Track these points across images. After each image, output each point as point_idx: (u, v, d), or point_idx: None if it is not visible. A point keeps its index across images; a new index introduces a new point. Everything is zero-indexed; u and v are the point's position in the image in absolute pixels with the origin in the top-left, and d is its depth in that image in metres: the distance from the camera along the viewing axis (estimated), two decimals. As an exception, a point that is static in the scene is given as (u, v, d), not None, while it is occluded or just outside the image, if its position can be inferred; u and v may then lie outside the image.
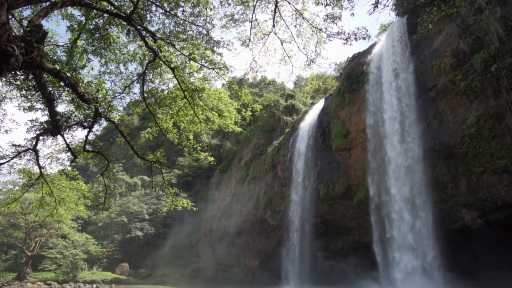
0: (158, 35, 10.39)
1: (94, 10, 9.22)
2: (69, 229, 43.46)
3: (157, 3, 10.11)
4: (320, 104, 30.09)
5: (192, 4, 10.20)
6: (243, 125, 19.05)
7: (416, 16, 19.72)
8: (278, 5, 9.66)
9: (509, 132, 14.25)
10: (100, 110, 9.97)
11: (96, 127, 11.49)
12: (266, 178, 31.64)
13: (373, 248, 20.83)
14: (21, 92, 10.04)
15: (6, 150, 11.79)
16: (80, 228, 46.89)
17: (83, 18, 9.87)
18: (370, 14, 8.42)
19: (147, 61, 10.78)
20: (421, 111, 18.53)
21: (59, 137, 11.02)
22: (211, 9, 10.43)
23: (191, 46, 10.41)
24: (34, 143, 11.28)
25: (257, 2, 9.90)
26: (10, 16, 6.32)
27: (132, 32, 10.16)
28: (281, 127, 36.43)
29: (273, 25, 10.05)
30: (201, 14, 10.44)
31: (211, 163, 15.59)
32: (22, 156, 12.29)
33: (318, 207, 24.87)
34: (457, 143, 16.44)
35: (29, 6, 8.81)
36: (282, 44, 10.49)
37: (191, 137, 12.84)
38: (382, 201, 20.24)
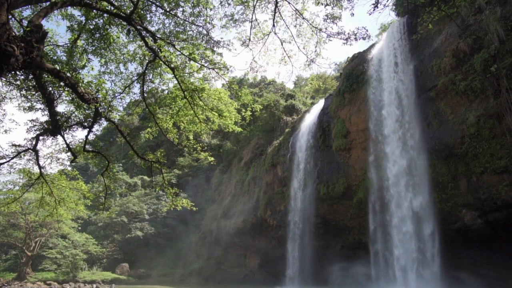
0: (158, 35, 10.39)
1: (94, 10, 9.22)
2: (69, 229, 43.47)
3: (157, 3, 10.11)
4: (320, 104, 30.09)
5: (192, 4, 10.20)
6: (243, 125, 19.06)
7: (416, 16, 19.72)
8: (278, 5, 9.66)
9: (509, 132, 14.25)
10: (100, 110, 9.97)
11: (96, 127, 11.49)
12: (266, 178, 31.64)
13: (372, 248, 20.77)
14: (21, 92, 10.05)
15: (6, 150, 11.81)
16: (80, 228, 46.90)
17: (83, 18, 9.87)
18: (370, 14, 8.43)
19: (147, 61, 10.78)
20: (421, 111, 18.52)
21: (59, 137, 11.03)
22: (211, 9, 10.44)
23: (191, 46, 10.41)
24: (34, 143, 11.28)
25: (257, 2, 9.90)
26: (10, 16, 6.33)
27: (132, 32, 10.16)
28: (281, 127, 36.43)
29: (273, 25, 10.06)
30: (201, 14, 10.45)
31: (211, 163, 15.59)
32: (22, 156, 12.29)
33: (318, 207, 24.87)
34: (457, 143, 16.44)
35: (29, 6, 8.81)
36: (282, 44, 10.50)
37: (191, 137, 12.83)
38: (381, 200, 20.23)
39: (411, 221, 18.28)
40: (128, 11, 9.58)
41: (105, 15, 9.63)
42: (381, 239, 20.23)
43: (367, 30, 9.44)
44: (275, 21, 9.95)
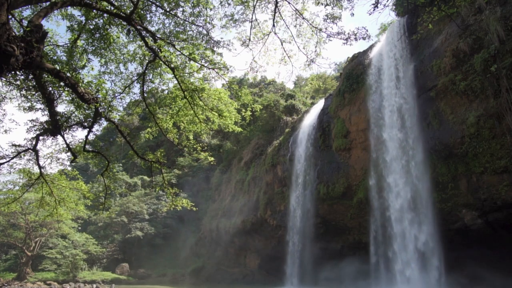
0: (158, 35, 10.40)
1: (94, 10, 9.22)
2: (69, 229, 43.48)
3: (157, 3, 10.11)
4: (320, 104, 30.09)
5: (192, 4, 10.21)
6: (243, 125, 19.05)
7: (416, 16, 19.71)
8: (278, 5, 9.66)
9: (509, 132, 14.25)
10: (100, 110, 9.97)
11: (96, 127, 11.49)
12: (266, 178, 31.64)
13: (371, 248, 20.62)
14: (21, 92, 10.05)
15: (6, 150, 11.81)
16: (80, 228, 46.90)
17: (83, 18, 9.87)
18: (370, 14, 8.43)
19: (147, 61, 10.78)
20: (421, 111, 18.51)
21: (59, 137, 11.03)
22: (211, 9, 10.44)
23: (191, 46, 10.41)
24: (34, 143, 11.29)
25: (257, 2, 9.90)
26: (10, 16, 6.33)
27: (132, 32, 10.17)
28: (281, 127, 36.44)
29: (273, 25, 10.06)
30: (201, 14, 10.45)
31: (211, 163, 15.59)
32: (22, 156, 12.30)
33: (318, 207, 24.86)
34: (457, 143, 16.44)
35: (29, 6, 8.81)
36: (282, 44, 10.50)
37: (191, 137, 12.83)
38: (381, 201, 20.21)
39: (411, 221, 18.11)
40: (128, 11, 9.59)
41: (105, 15, 9.63)
42: (381, 239, 20.08)
43: (367, 30, 9.45)
44: (275, 21, 9.96)
